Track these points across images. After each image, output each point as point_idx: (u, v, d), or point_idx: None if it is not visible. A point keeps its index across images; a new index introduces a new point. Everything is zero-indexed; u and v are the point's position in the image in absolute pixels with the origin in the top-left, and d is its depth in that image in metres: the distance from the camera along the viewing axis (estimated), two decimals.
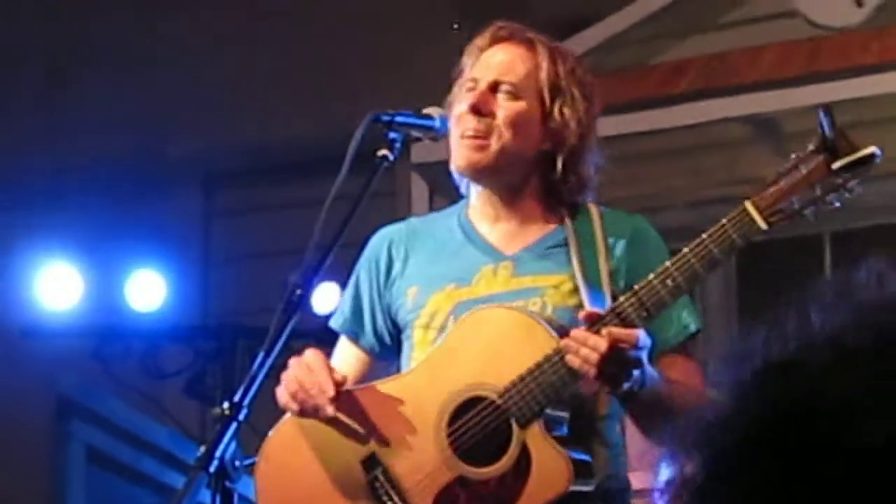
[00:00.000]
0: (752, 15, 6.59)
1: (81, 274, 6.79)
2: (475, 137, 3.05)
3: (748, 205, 2.86)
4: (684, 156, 6.62)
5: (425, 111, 3.11)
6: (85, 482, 5.98)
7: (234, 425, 2.71)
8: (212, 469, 2.67)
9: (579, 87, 3.11)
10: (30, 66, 7.65)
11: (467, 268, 3.11)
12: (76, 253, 6.84)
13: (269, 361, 2.79)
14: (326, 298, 5.89)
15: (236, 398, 2.74)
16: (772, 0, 6.56)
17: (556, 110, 3.08)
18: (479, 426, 2.95)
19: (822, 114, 2.82)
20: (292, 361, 2.99)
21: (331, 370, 2.98)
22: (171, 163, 7.53)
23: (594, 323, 2.86)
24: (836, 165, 2.81)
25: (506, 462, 2.92)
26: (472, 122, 3.06)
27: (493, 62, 3.12)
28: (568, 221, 3.11)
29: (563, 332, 2.90)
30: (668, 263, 2.89)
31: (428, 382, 3.03)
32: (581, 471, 2.91)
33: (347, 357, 3.20)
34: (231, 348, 6.54)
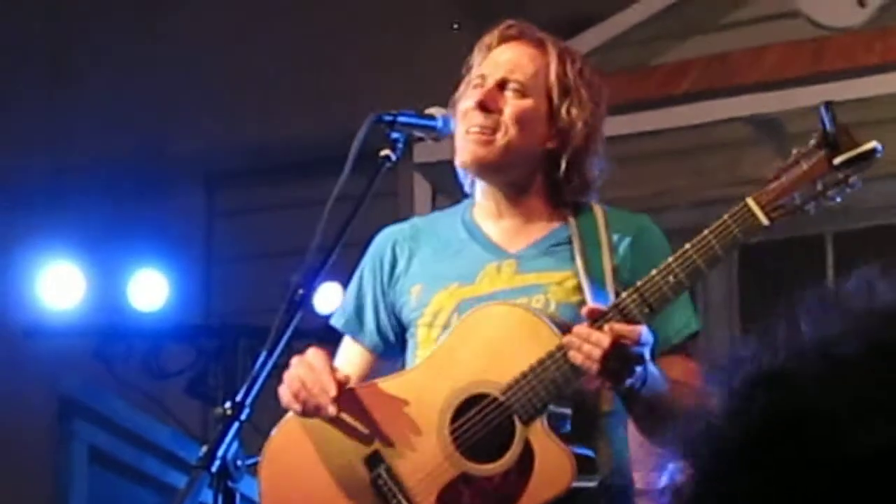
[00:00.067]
0: (755, 15, 6.59)
1: (83, 273, 6.79)
2: (481, 133, 3.06)
3: (750, 200, 2.87)
4: (687, 156, 6.62)
5: (428, 111, 3.11)
6: (87, 482, 5.98)
7: (236, 425, 2.71)
8: (214, 469, 2.67)
9: (587, 88, 3.13)
10: (31, 66, 7.65)
11: (471, 266, 3.11)
12: (78, 252, 6.84)
13: (271, 361, 2.79)
14: (328, 298, 5.89)
15: (238, 398, 2.74)
16: (774, 0, 6.55)
17: (563, 109, 3.09)
18: (482, 423, 2.96)
19: (823, 110, 2.82)
20: (295, 360, 3.00)
21: (333, 369, 2.99)
22: (172, 162, 7.53)
23: (597, 319, 2.86)
24: (837, 161, 2.81)
25: (509, 459, 2.93)
26: (478, 118, 3.07)
27: (501, 60, 3.13)
28: (571, 220, 3.12)
29: (565, 329, 2.91)
30: (670, 259, 2.90)
31: (431, 380, 3.03)
32: (584, 466, 2.92)
33: (351, 356, 3.21)
34: (233, 348, 6.54)
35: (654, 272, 2.89)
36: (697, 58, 6.60)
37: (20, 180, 7.35)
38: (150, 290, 6.88)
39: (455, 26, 6.77)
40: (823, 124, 2.82)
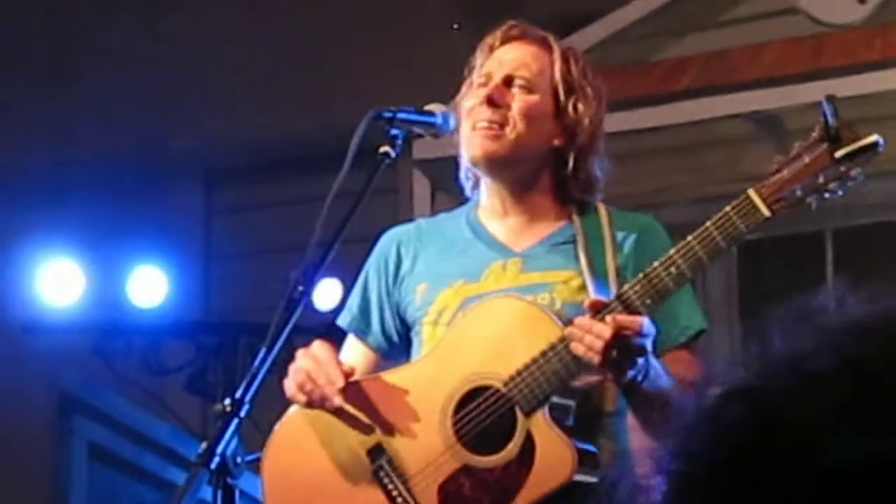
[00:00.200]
0: (755, 12, 6.59)
1: (83, 270, 6.79)
2: (489, 127, 3.06)
3: (752, 192, 2.87)
4: (687, 153, 6.62)
5: (427, 108, 3.12)
6: (87, 478, 5.98)
7: (235, 422, 2.71)
8: (213, 465, 2.67)
9: (591, 86, 3.14)
10: (31, 63, 7.65)
11: (476, 264, 3.12)
12: (77, 249, 6.84)
13: (270, 358, 2.79)
14: (328, 295, 5.89)
15: (238, 394, 2.74)
16: None
17: (570, 106, 3.10)
18: (483, 415, 2.97)
19: (825, 103, 2.83)
20: (300, 353, 3.01)
21: (338, 362, 3.00)
22: (172, 159, 7.53)
23: (599, 311, 2.87)
24: (839, 154, 2.82)
25: (510, 450, 2.94)
26: (486, 113, 3.07)
27: (506, 59, 3.14)
28: (576, 218, 3.13)
29: (568, 322, 2.92)
30: (672, 251, 2.90)
31: (435, 372, 3.04)
32: (586, 460, 2.92)
33: (355, 356, 3.21)
34: (232, 345, 6.54)
35: (656, 264, 2.90)
36: (697, 54, 6.60)
37: (20, 177, 7.35)
38: (149, 286, 6.87)
39: (455, 26, 6.77)
40: (825, 118, 2.82)
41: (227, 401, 2.74)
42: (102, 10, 7.56)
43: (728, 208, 2.88)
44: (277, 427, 3.13)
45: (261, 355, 2.80)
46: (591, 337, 2.82)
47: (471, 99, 3.12)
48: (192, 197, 7.66)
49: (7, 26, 7.53)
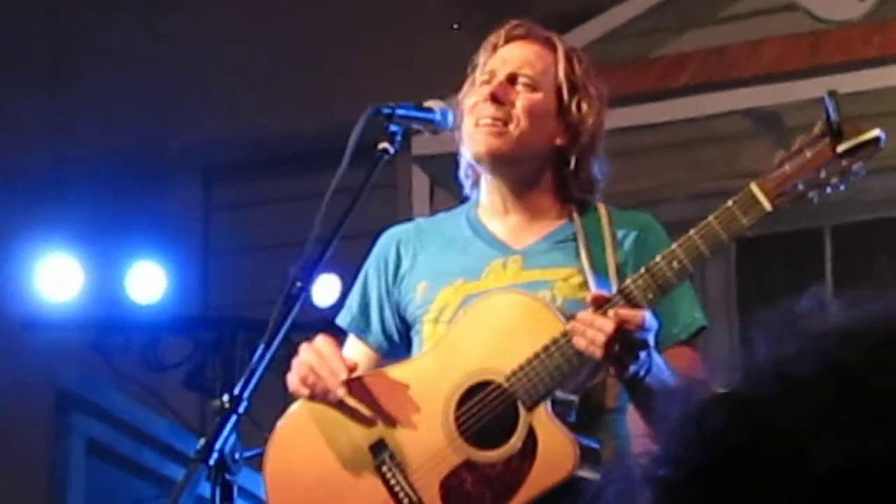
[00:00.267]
0: (753, 8, 6.59)
1: (81, 266, 6.79)
2: (493, 124, 3.06)
3: (753, 186, 2.87)
4: (685, 149, 6.62)
5: (426, 104, 3.12)
6: (85, 474, 5.99)
7: (233, 418, 2.71)
8: (211, 461, 2.67)
9: (594, 88, 3.14)
10: (31, 61, 7.65)
11: (476, 262, 3.12)
12: (76, 245, 6.84)
13: (269, 354, 2.79)
14: (326, 291, 5.89)
15: (236, 390, 2.74)
16: None
17: (573, 106, 3.10)
18: (486, 410, 2.97)
19: (827, 98, 2.83)
20: (303, 346, 3.01)
21: (342, 355, 3.00)
22: (171, 155, 7.53)
23: (601, 305, 2.87)
24: (840, 148, 2.82)
25: (512, 445, 2.94)
26: (489, 110, 3.07)
27: (510, 57, 3.14)
28: (576, 217, 3.12)
29: (570, 317, 2.92)
30: (673, 245, 2.91)
31: (437, 367, 3.04)
32: (588, 456, 2.92)
33: (356, 355, 3.21)
34: (231, 340, 6.54)
35: (657, 258, 2.90)
36: (696, 51, 6.60)
37: (21, 173, 7.35)
38: (147, 282, 6.87)
39: (455, 26, 6.78)
40: (827, 113, 2.82)
41: (226, 397, 2.74)
42: (102, 10, 7.56)
43: (730, 202, 2.88)
44: (279, 424, 3.13)
45: (259, 351, 2.80)
46: (594, 331, 2.82)
47: (474, 96, 3.12)
48: (191, 193, 7.67)
49: (7, 26, 7.54)
